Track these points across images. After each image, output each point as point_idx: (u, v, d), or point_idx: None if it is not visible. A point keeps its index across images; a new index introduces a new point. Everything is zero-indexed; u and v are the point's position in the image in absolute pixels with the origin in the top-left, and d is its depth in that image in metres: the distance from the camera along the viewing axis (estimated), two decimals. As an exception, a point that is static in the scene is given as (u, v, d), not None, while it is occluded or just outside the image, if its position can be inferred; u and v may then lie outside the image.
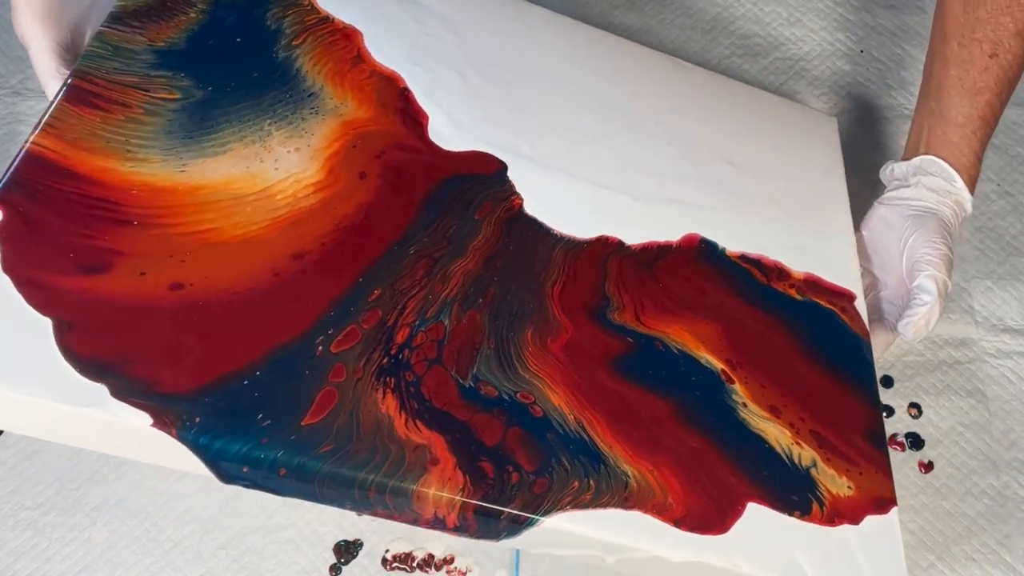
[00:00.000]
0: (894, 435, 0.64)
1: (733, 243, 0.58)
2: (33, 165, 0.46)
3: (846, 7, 0.82)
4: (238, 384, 0.43)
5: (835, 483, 0.50)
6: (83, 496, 0.60)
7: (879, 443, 0.53)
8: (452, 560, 0.59)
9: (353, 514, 0.60)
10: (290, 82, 0.54)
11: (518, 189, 0.55)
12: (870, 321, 0.57)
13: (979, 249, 0.72)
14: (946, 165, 0.58)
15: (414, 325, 0.48)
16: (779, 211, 0.62)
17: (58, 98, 0.49)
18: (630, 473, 0.47)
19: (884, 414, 0.65)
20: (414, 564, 0.59)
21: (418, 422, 0.45)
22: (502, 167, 0.56)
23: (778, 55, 0.80)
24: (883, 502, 0.50)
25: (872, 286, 0.61)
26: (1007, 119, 0.76)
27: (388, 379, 0.46)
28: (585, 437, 0.47)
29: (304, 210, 0.50)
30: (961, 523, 0.62)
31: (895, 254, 0.58)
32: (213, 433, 0.41)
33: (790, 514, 0.48)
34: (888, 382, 0.66)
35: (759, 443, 0.51)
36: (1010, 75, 0.57)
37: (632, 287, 0.54)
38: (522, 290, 0.51)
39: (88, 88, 0.49)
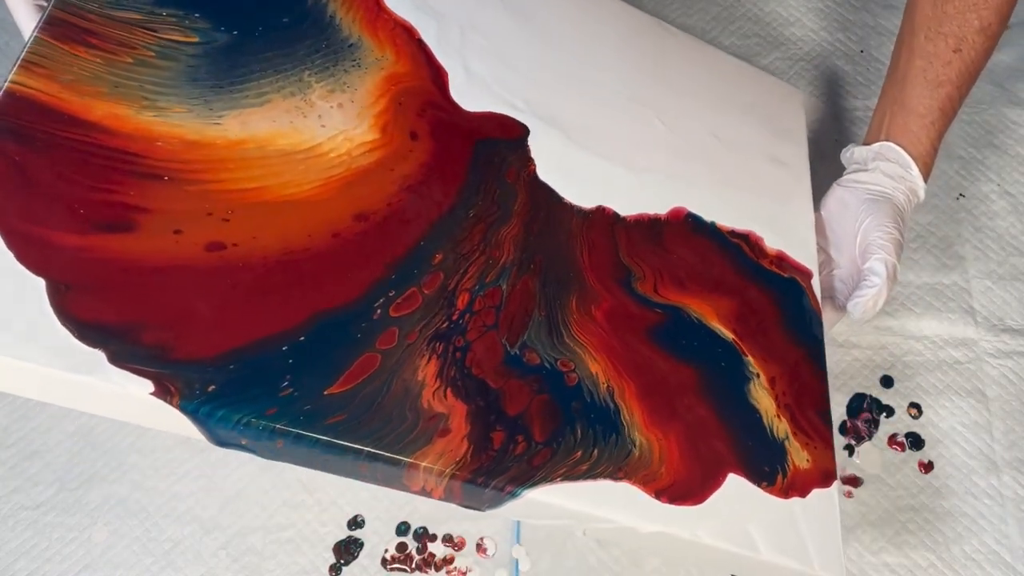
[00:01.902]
0: (894, 435, 0.64)
1: (717, 217, 0.58)
2: (23, 108, 0.41)
3: (846, 7, 0.82)
4: (274, 350, 0.41)
5: (799, 455, 0.52)
6: (83, 496, 0.60)
7: (827, 419, 0.55)
8: (452, 560, 0.59)
9: (353, 515, 0.60)
10: (326, 30, 0.51)
11: (532, 154, 0.54)
12: (821, 299, 0.59)
13: (979, 249, 0.71)
14: (903, 152, 0.60)
15: (473, 290, 0.48)
16: (756, 186, 0.62)
17: (36, 32, 0.43)
18: (637, 442, 0.48)
19: (884, 414, 0.65)
20: (414, 564, 0.59)
21: (448, 390, 0.44)
22: (524, 132, 0.55)
23: (778, 55, 0.80)
24: (827, 475, 0.52)
25: (826, 264, 0.62)
26: (1007, 119, 0.76)
27: (438, 345, 0.45)
28: (611, 405, 0.48)
29: (361, 169, 0.48)
30: (961, 523, 0.62)
31: (849, 235, 0.60)
32: (217, 403, 0.39)
33: (759, 485, 0.50)
34: (888, 382, 0.66)
35: (753, 414, 0.52)
36: (971, 70, 0.59)
37: (647, 257, 0.54)
38: (560, 258, 0.51)
39: (77, 23, 0.44)
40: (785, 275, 0.58)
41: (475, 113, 0.53)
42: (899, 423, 0.65)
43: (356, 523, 0.60)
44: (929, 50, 0.59)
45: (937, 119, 0.60)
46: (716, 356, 0.53)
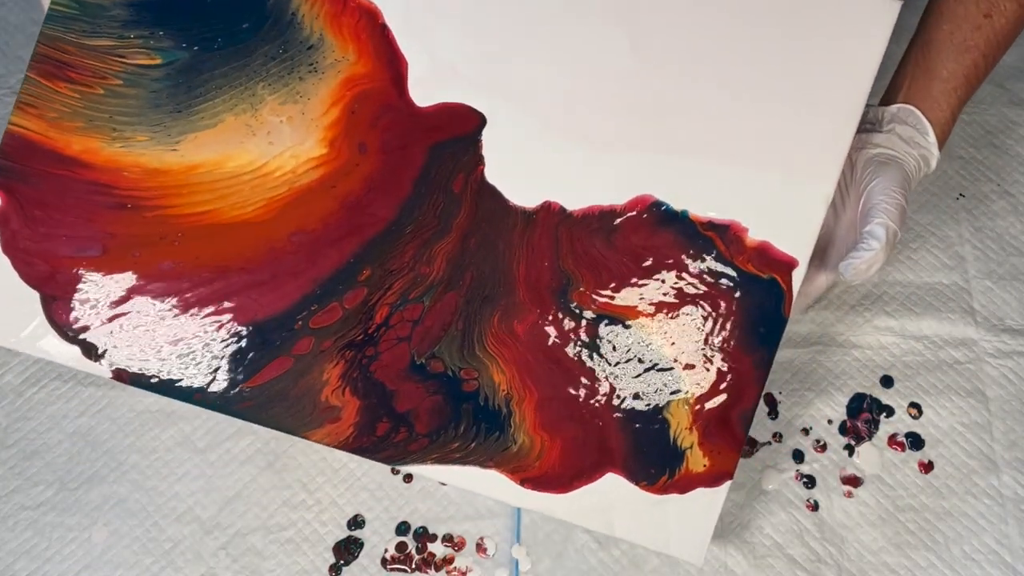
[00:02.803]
0: (894, 435, 0.64)
1: (694, 204, 0.51)
2: (21, 148, 0.49)
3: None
4: (207, 351, 0.50)
5: (697, 462, 0.52)
6: (83, 496, 0.60)
7: (746, 423, 0.52)
8: (452, 560, 0.59)
9: (353, 515, 0.60)
10: (284, 33, 0.49)
11: (483, 151, 0.50)
12: (810, 262, 0.53)
13: (979, 249, 0.71)
14: (922, 117, 0.57)
15: (394, 305, 0.51)
16: (767, 151, 0.51)
17: (28, 71, 0.48)
18: (520, 441, 0.52)
19: (884, 414, 0.65)
20: (414, 564, 0.59)
21: (347, 389, 0.51)
22: (480, 124, 0.50)
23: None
24: (721, 476, 0.53)
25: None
26: (1008, 119, 0.76)
27: (348, 352, 0.51)
28: (504, 409, 0.51)
29: (302, 188, 0.50)
30: (961, 523, 0.62)
31: (852, 196, 0.57)
32: (160, 388, 0.50)
33: (637, 484, 0.52)
34: (888, 382, 0.66)
35: (662, 426, 0.52)
36: (1000, 38, 0.57)
37: (590, 260, 0.51)
38: (493, 272, 0.51)
39: (59, 58, 0.48)
40: (763, 275, 0.52)
41: (431, 108, 0.50)
42: (899, 423, 0.65)
43: (356, 523, 0.60)
44: (959, 13, 0.57)
45: (960, 86, 0.57)
46: (639, 369, 0.52)
